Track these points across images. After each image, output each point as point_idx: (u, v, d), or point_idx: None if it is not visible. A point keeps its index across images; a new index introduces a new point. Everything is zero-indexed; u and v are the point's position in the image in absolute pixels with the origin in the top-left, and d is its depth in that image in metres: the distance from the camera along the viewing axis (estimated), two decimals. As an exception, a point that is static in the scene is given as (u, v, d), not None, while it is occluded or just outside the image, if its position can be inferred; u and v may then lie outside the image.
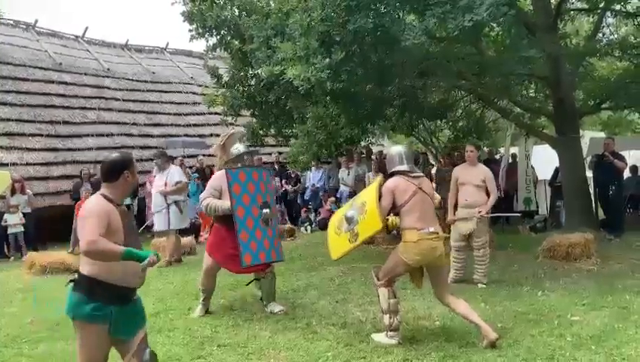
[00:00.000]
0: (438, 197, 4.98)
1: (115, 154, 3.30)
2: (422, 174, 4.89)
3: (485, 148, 14.08)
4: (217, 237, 5.71)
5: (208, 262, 5.73)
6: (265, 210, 5.60)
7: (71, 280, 3.10)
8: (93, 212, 3.02)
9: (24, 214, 11.01)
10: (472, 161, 6.76)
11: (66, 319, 5.47)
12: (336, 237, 4.77)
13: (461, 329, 4.88)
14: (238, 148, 5.94)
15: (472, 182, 6.59)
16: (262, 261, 5.56)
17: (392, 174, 4.72)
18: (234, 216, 5.38)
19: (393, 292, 4.72)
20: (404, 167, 4.71)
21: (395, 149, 4.91)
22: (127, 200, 11.45)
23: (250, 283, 6.05)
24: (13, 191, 11.05)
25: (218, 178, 5.73)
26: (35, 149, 12.82)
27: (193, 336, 5.02)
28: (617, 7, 10.32)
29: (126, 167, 3.19)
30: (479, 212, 6.45)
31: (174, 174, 8.98)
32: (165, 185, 8.85)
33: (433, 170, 13.51)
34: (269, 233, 5.65)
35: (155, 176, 9.69)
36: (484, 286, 6.48)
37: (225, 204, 5.49)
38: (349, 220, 4.63)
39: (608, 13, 10.90)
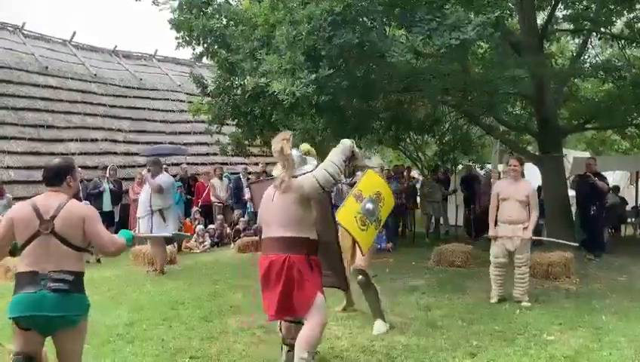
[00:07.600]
0: None
1: (57, 160, 3.56)
2: None
3: (463, 164, 14.16)
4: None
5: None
6: None
7: (55, 282, 3.14)
8: (98, 215, 3.45)
9: (3, 218, 10.85)
10: (516, 175, 6.48)
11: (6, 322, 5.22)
12: (363, 233, 4.87)
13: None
14: (305, 159, 4.45)
15: (516, 197, 6.33)
16: None
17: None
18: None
19: None
20: None
21: None
22: (109, 207, 11.33)
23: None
24: (-8, 195, 10.91)
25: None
26: (17, 153, 12.66)
27: (166, 347, 4.93)
28: (602, 29, 10.49)
29: (69, 172, 3.42)
30: (524, 229, 6.27)
31: (162, 180, 9.00)
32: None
33: (418, 185, 13.57)
34: None
35: (137, 184, 9.64)
36: (527, 304, 6.29)
37: None
38: (372, 212, 4.87)
39: (594, 35, 11.08)
